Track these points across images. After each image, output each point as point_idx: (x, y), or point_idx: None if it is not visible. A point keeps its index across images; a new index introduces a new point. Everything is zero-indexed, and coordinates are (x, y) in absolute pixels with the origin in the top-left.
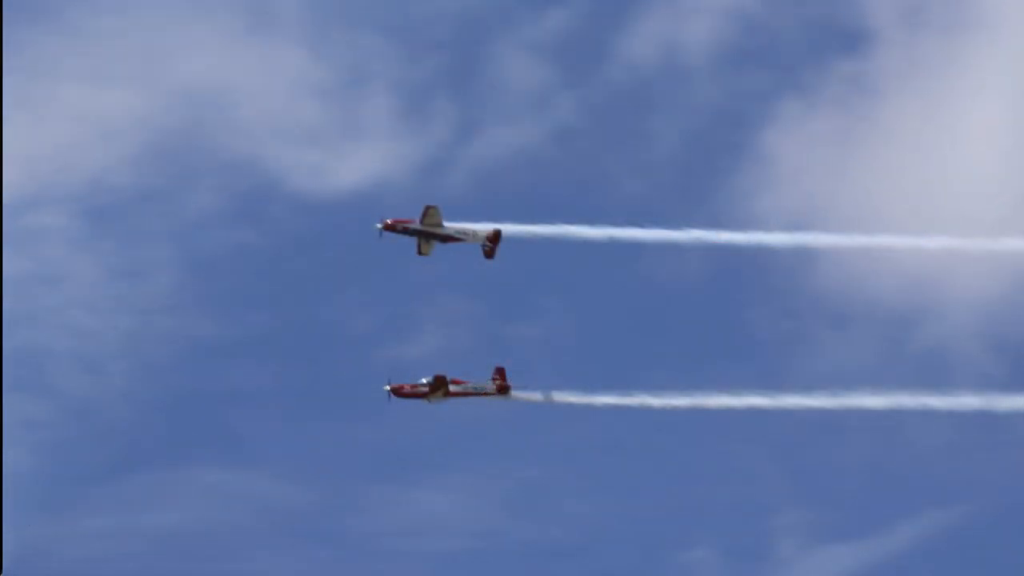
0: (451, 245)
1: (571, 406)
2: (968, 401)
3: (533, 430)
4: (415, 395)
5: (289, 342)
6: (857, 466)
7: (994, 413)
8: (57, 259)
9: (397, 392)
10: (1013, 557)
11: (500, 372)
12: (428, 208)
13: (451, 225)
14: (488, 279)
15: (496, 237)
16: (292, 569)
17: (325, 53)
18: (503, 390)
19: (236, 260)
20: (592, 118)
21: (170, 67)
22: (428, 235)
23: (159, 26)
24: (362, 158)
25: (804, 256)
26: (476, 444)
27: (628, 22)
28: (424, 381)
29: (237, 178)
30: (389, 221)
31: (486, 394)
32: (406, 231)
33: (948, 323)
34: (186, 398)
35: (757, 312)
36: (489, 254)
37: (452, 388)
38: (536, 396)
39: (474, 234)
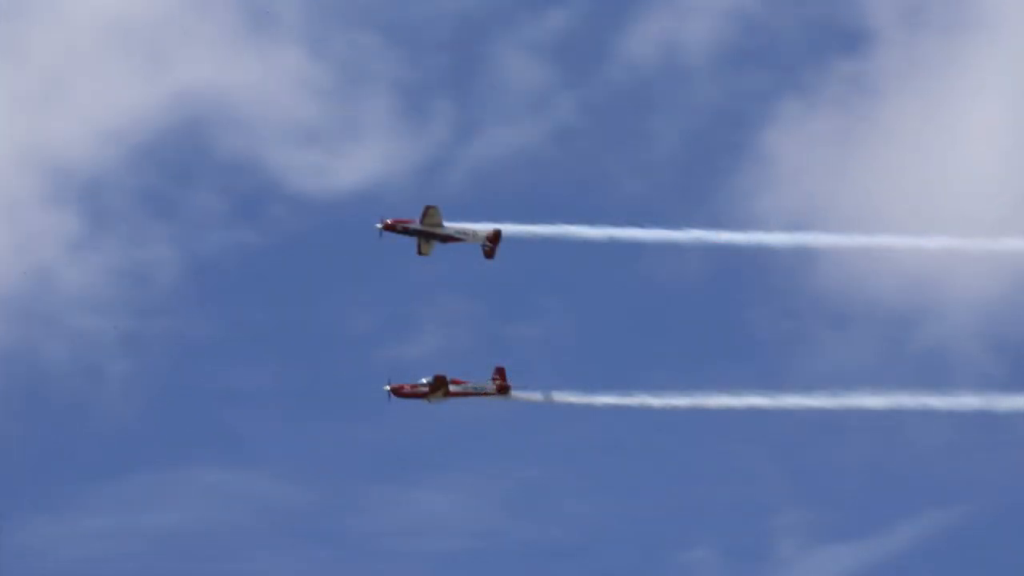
0: (451, 245)
1: (571, 406)
2: (968, 401)
3: (533, 430)
4: (415, 395)
5: (289, 342)
6: (857, 466)
7: (994, 413)
8: (57, 259)
9: (397, 392)
10: (1013, 557)
11: (500, 372)
12: (428, 208)
13: (451, 225)
14: (488, 279)
15: (496, 237)
16: (292, 569)
17: (325, 53)
18: (503, 390)
19: (236, 260)
20: (592, 118)
21: (170, 67)
22: (428, 235)
23: (159, 25)
24: (362, 158)
25: (804, 256)
26: (476, 444)
27: (628, 22)
28: (424, 381)
29: (237, 178)
30: (389, 221)
31: (486, 394)
32: (406, 231)
33: (948, 323)
34: (186, 398)
35: (757, 312)
36: (489, 254)
37: (452, 388)
38: (536, 396)
39: (474, 234)
